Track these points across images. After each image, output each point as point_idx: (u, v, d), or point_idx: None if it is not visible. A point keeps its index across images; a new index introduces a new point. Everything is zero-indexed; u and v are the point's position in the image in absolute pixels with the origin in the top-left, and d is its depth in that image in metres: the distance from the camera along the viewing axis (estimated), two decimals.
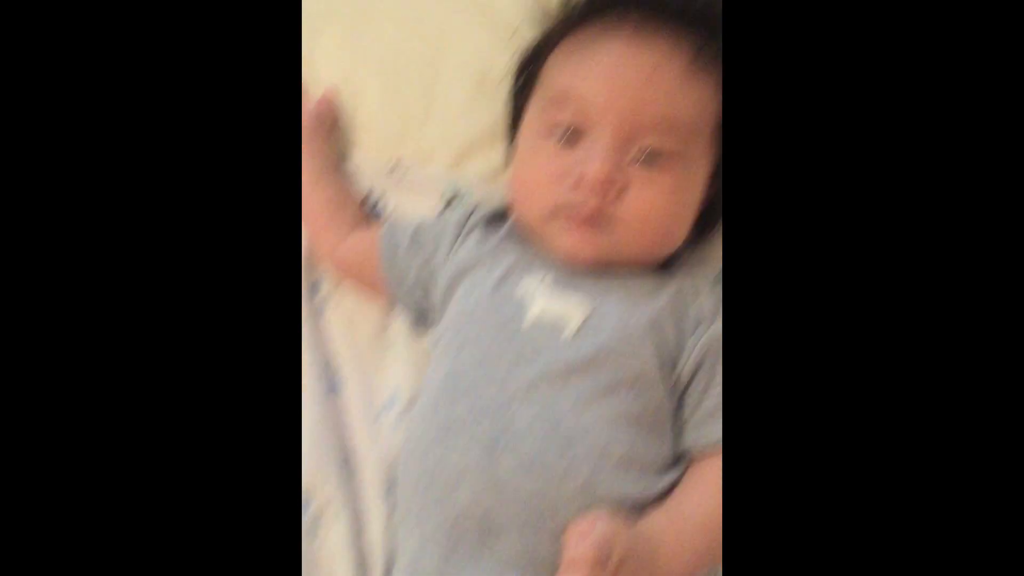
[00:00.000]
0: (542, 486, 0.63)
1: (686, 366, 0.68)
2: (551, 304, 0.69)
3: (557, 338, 0.68)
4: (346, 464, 0.80)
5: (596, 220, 0.69)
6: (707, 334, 0.69)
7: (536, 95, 0.75)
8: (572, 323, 0.68)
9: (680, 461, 0.69)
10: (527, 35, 0.79)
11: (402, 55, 0.86)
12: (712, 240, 0.78)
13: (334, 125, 0.86)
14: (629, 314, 0.68)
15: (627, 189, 0.69)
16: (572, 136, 0.70)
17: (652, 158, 0.69)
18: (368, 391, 0.82)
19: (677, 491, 0.67)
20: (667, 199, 0.70)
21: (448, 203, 0.83)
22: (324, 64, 0.87)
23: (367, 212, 0.85)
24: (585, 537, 0.59)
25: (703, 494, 0.66)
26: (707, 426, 0.68)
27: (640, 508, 0.65)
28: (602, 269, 0.71)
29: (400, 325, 0.83)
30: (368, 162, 0.86)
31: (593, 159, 0.68)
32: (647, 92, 0.68)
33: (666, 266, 0.75)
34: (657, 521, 0.64)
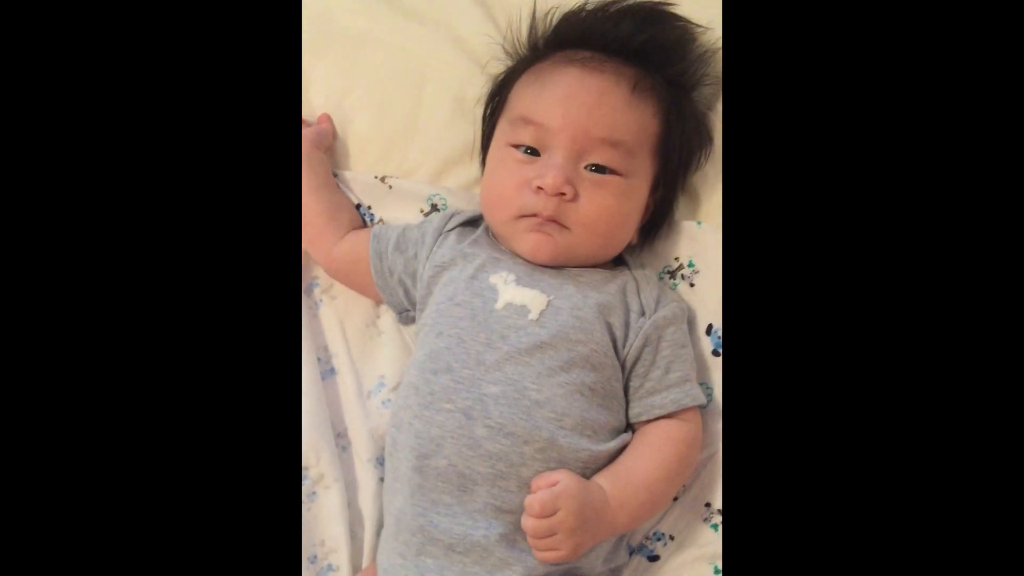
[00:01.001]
0: (509, 447, 0.70)
1: (631, 348, 0.76)
2: (516, 295, 0.76)
3: (522, 322, 0.75)
4: (339, 440, 0.86)
5: (554, 222, 0.76)
6: (648, 322, 0.77)
7: (503, 117, 0.82)
8: (534, 310, 0.75)
9: (628, 428, 0.77)
10: (497, 66, 0.86)
11: (389, 82, 0.91)
12: (654, 243, 0.85)
13: (330, 144, 0.91)
14: (582, 302, 0.76)
15: (579, 196, 0.75)
16: (533, 152, 0.77)
17: (600, 170, 0.76)
18: (359, 376, 0.88)
19: (623, 454, 0.75)
20: (614, 204, 0.76)
21: (429, 211, 0.89)
22: (320, 88, 0.91)
23: (358, 220, 0.89)
24: (542, 491, 0.68)
25: (644, 456, 0.75)
26: (650, 399, 0.76)
27: (592, 466, 0.73)
28: (559, 266, 0.78)
29: (387, 319, 0.89)
30: (359, 176, 0.90)
31: (550, 171, 0.74)
32: (595, 114, 0.75)
33: (615, 265, 0.82)
34: (606, 478, 0.73)
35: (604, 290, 0.78)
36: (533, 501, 0.68)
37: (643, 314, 0.78)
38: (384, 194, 0.90)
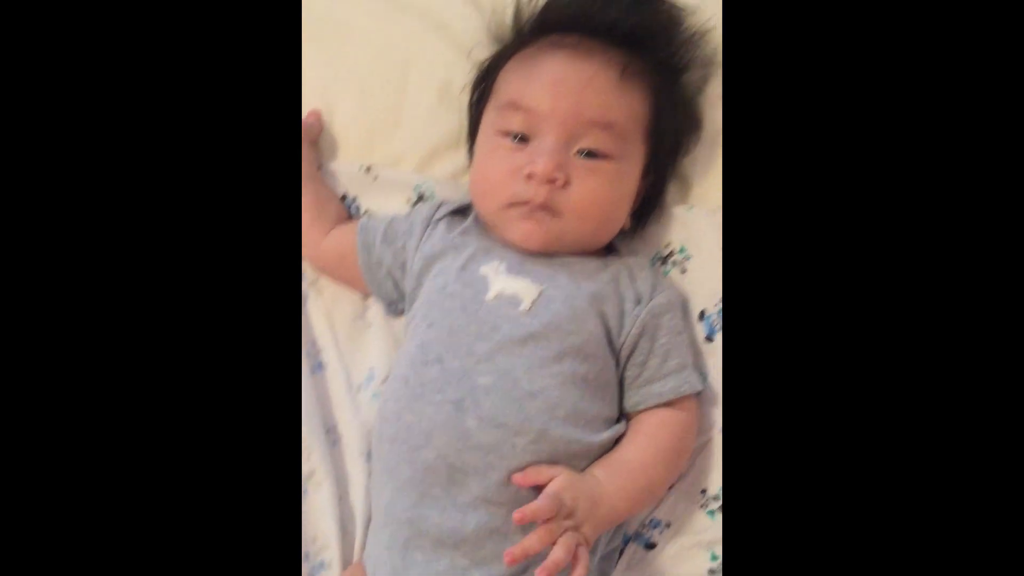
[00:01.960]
0: (501, 438, 0.70)
1: (627, 338, 0.75)
2: (508, 285, 0.75)
3: (513, 312, 0.74)
4: (329, 435, 0.85)
5: (545, 208, 0.75)
6: (645, 309, 0.76)
7: (491, 104, 0.81)
8: (526, 300, 0.75)
9: (622, 418, 0.76)
10: (483, 53, 0.85)
11: (373, 70, 0.90)
12: (647, 229, 0.85)
13: (316, 139, 0.90)
14: (575, 292, 0.75)
15: (571, 182, 0.75)
16: (522, 138, 0.76)
17: (591, 155, 0.75)
18: (348, 370, 0.87)
19: (620, 443, 0.74)
20: (606, 189, 0.76)
21: (416, 201, 0.88)
22: (304, 79, 0.88)
23: (345, 211, 0.89)
24: (539, 498, 0.66)
25: (640, 444, 0.74)
26: (648, 387, 0.76)
27: (584, 458, 0.72)
28: (551, 254, 0.78)
29: (375, 311, 0.88)
30: (344, 166, 0.90)
31: (541, 156, 0.74)
32: (585, 99, 0.74)
33: (607, 253, 0.82)
34: (602, 468, 0.72)
35: (597, 279, 0.77)
36: (528, 513, 0.65)
37: (638, 302, 0.77)
38: (370, 184, 0.90)
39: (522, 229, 0.77)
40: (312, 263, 0.89)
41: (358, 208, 0.90)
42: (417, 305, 0.80)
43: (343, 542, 0.81)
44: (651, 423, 0.76)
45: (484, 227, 0.82)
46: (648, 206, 0.84)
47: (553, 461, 0.71)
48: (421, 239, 0.82)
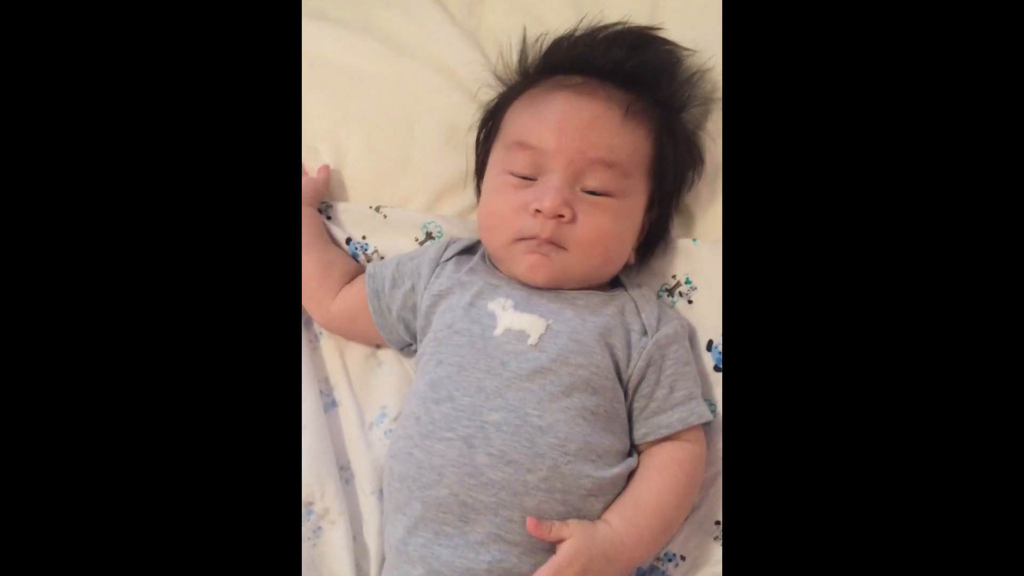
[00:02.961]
0: (512, 475, 0.70)
1: (635, 369, 0.76)
2: (515, 320, 0.76)
3: (522, 347, 0.74)
4: (342, 473, 0.85)
5: (552, 243, 0.76)
6: (651, 341, 0.76)
7: (498, 143, 0.83)
8: (533, 335, 0.75)
9: (633, 452, 0.77)
10: (488, 94, 0.87)
11: (381, 114, 0.93)
12: (651, 263, 0.86)
13: (323, 196, 0.91)
14: (581, 326, 0.76)
15: (577, 217, 0.76)
16: (529, 175, 0.78)
17: (597, 192, 0.77)
18: (360, 407, 0.88)
19: (630, 484, 0.74)
20: (611, 224, 0.77)
21: (424, 240, 0.89)
22: (312, 123, 0.92)
23: (352, 268, 0.89)
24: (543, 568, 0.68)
25: (652, 483, 0.74)
26: (656, 419, 0.76)
27: (597, 494, 0.72)
28: (557, 289, 0.79)
29: (387, 349, 0.89)
30: (354, 207, 0.91)
31: (548, 193, 0.75)
32: (590, 137, 0.76)
33: (612, 287, 0.83)
34: (616, 514, 0.72)
35: (602, 312, 0.78)
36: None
37: (645, 333, 0.78)
38: (379, 224, 0.91)
39: (528, 262, 0.78)
40: (324, 326, 0.89)
41: (367, 247, 0.91)
42: (426, 343, 0.80)
43: None
44: (662, 459, 0.76)
45: (491, 265, 0.83)
46: (652, 241, 0.85)
47: (565, 498, 0.71)
48: (429, 279, 0.83)
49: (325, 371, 0.90)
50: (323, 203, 0.92)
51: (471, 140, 0.89)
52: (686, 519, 0.80)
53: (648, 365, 0.76)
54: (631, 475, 0.76)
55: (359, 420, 0.88)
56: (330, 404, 0.89)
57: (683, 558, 0.80)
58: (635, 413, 0.77)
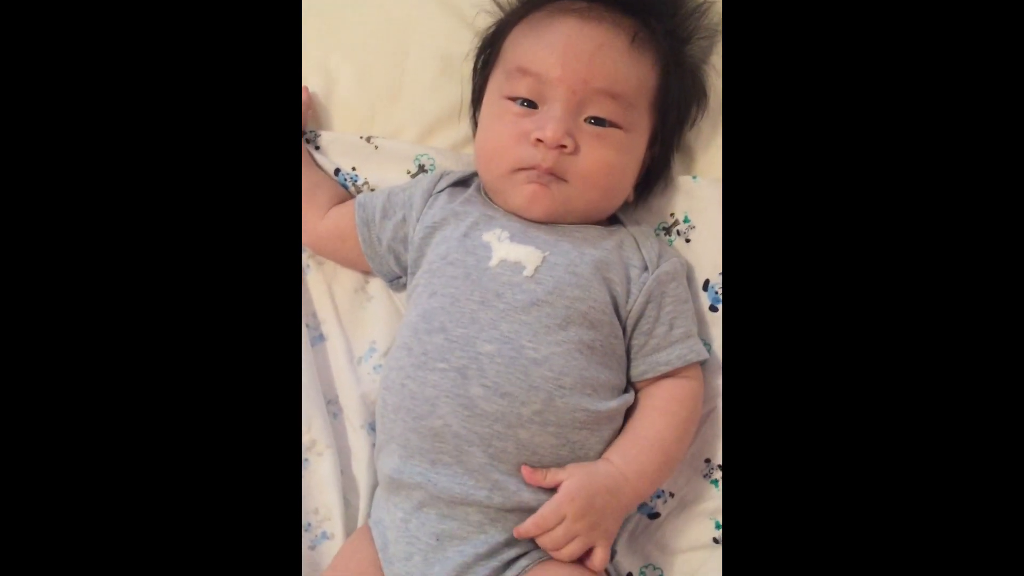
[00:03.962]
0: (506, 407, 0.69)
1: (635, 305, 0.75)
2: (511, 251, 0.75)
3: (517, 279, 0.73)
4: (330, 407, 0.85)
5: (552, 174, 0.75)
6: (652, 277, 0.76)
7: (498, 69, 0.80)
8: (529, 266, 0.74)
9: (630, 388, 0.76)
10: (485, 20, 0.84)
11: (373, 41, 0.89)
12: (649, 200, 0.85)
13: (308, 119, 0.89)
14: (578, 258, 0.74)
15: (579, 148, 0.74)
16: (530, 104, 0.75)
17: (600, 122, 0.75)
18: (349, 342, 0.87)
19: (631, 421, 0.74)
20: (613, 157, 0.75)
21: (416, 172, 0.87)
22: (305, 51, 0.87)
23: (341, 192, 0.87)
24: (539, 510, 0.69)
25: (653, 420, 0.74)
26: (655, 356, 0.75)
27: (592, 427, 0.72)
28: (554, 222, 0.77)
29: (376, 283, 0.88)
30: (344, 136, 0.88)
31: (550, 122, 0.73)
32: (594, 65, 0.74)
33: (610, 224, 0.81)
34: (617, 452, 0.72)
35: (600, 246, 0.77)
36: (530, 526, 0.68)
37: (645, 269, 0.77)
38: (370, 154, 0.89)
39: (527, 193, 0.76)
40: (311, 247, 0.87)
41: (356, 179, 0.88)
42: (419, 275, 0.79)
43: (346, 514, 0.81)
44: (661, 397, 0.76)
45: (486, 196, 0.81)
46: (652, 177, 0.84)
47: (559, 431, 0.71)
48: (422, 210, 0.81)
49: (312, 305, 0.89)
50: (309, 131, 0.90)
51: (467, 70, 0.86)
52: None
53: (648, 301, 0.76)
54: (628, 413, 0.76)
55: (347, 354, 0.87)
56: (317, 338, 0.88)
57: (672, 495, 0.80)
58: (633, 351, 0.76)
